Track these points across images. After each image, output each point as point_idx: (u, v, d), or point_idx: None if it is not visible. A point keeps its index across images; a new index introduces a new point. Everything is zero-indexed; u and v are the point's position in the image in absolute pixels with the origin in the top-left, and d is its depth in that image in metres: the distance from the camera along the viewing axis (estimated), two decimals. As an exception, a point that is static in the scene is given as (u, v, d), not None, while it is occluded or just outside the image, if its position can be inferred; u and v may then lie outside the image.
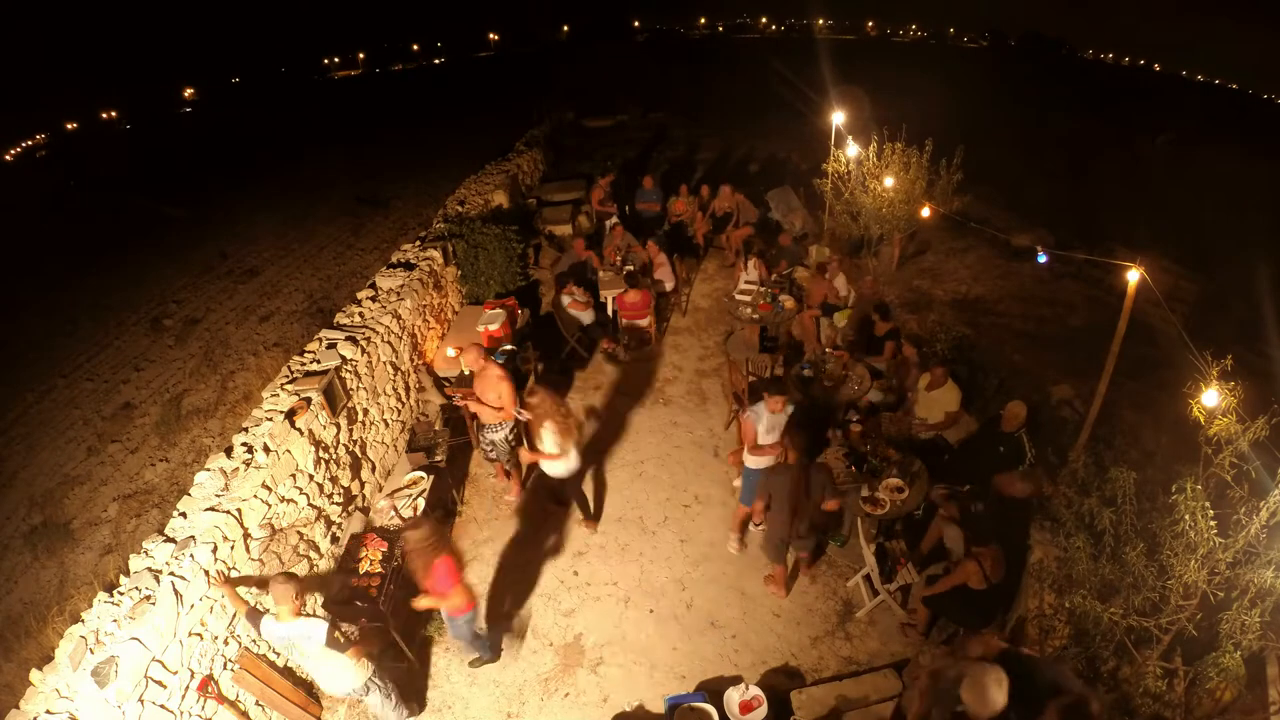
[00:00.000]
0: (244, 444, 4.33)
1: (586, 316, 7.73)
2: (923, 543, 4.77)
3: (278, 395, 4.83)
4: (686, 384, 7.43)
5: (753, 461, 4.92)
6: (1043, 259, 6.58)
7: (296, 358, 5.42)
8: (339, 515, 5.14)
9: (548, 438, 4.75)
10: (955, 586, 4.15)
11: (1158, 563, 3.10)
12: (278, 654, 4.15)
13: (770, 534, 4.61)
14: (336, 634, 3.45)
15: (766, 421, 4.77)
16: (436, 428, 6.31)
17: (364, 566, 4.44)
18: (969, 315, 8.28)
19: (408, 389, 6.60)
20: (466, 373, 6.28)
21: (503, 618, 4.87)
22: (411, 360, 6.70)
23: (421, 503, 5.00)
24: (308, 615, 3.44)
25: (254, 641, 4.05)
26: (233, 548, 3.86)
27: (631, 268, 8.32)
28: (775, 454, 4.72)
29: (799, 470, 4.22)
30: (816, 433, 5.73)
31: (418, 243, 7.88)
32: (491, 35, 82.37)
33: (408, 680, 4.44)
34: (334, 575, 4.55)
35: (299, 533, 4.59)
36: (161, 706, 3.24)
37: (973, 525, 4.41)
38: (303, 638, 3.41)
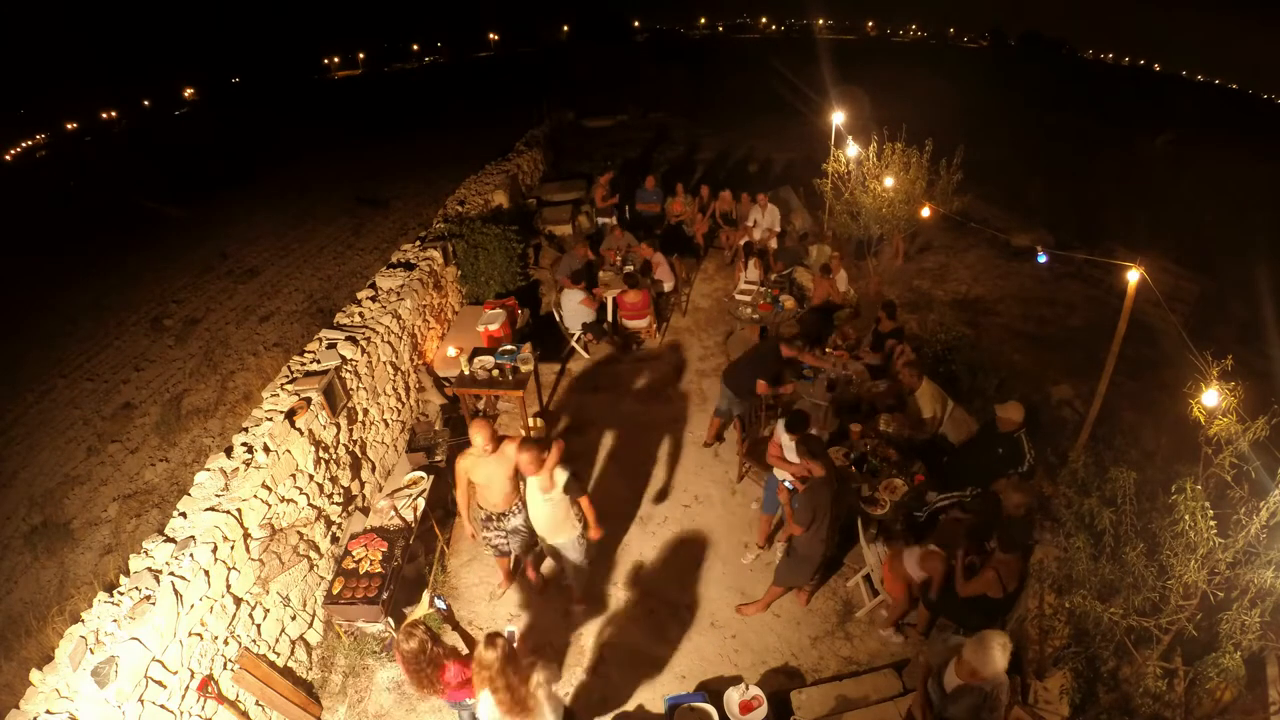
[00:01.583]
0: (244, 444, 4.33)
1: (588, 315, 7.73)
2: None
3: (278, 395, 4.83)
4: (686, 384, 7.43)
5: (777, 471, 4.85)
6: (1043, 259, 6.59)
7: (296, 358, 5.42)
8: (339, 515, 5.14)
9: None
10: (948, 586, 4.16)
11: (1158, 563, 3.09)
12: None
13: (800, 556, 4.33)
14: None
15: (787, 439, 4.69)
16: (436, 428, 6.31)
17: (364, 567, 4.44)
18: (969, 315, 8.28)
19: (408, 389, 6.61)
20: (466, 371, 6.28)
21: (503, 620, 4.87)
22: (411, 360, 6.70)
23: (421, 502, 5.00)
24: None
25: (254, 641, 4.05)
26: (233, 548, 3.86)
27: (631, 268, 8.32)
28: (797, 472, 4.60)
29: (833, 477, 4.04)
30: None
31: (418, 243, 7.88)
32: (491, 35, 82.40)
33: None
34: (336, 574, 4.53)
35: (299, 533, 4.59)
36: (161, 706, 3.24)
37: (997, 532, 4.36)
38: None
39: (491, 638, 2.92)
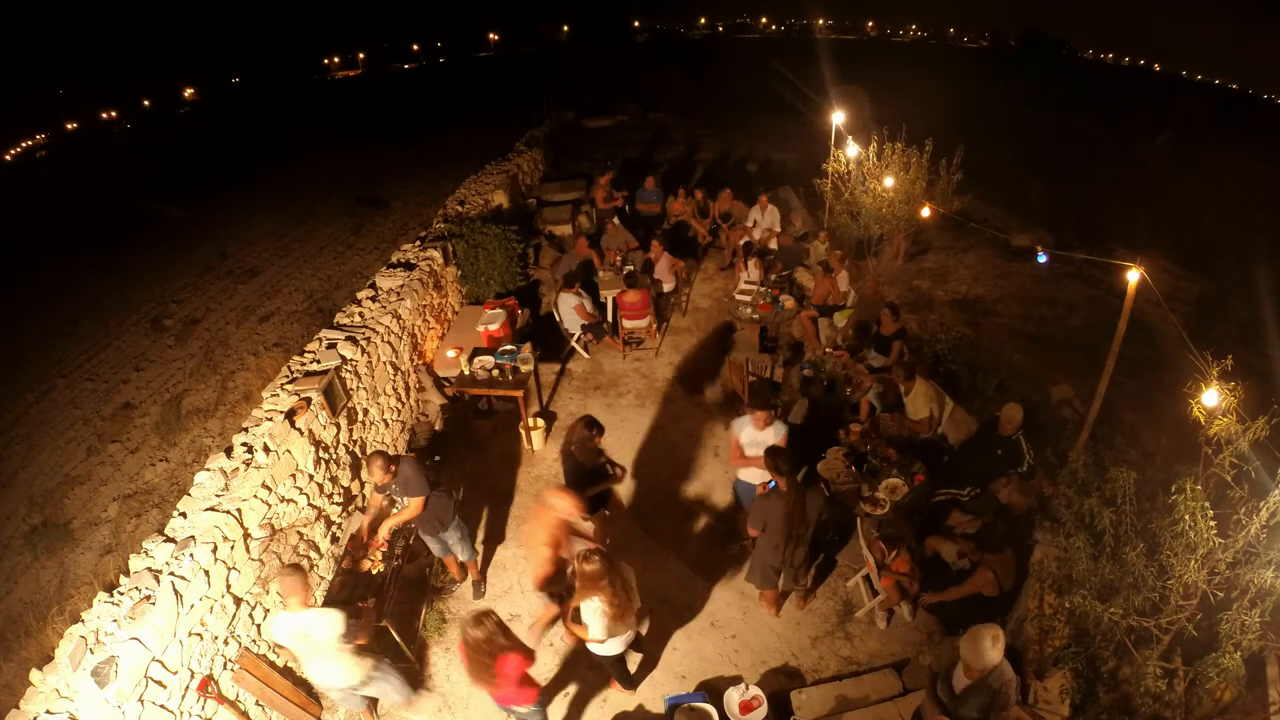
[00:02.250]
0: (244, 444, 4.33)
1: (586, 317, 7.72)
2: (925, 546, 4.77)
3: (278, 395, 4.83)
4: (686, 384, 7.43)
5: (742, 474, 4.81)
6: (1043, 259, 6.59)
7: (296, 358, 5.43)
8: (339, 515, 5.14)
9: (592, 616, 3.53)
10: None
11: (1158, 563, 3.09)
12: (279, 650, 4.14)
13: (759, 560, 4.33)
14: (350, 620, 3.50)
15: (749, 434, 4.59)
16: (436, 428, 6.32)
17: (364, 567, 4.43)
18: (969, 315, 8.29)
19: (408, 389, 6.61)
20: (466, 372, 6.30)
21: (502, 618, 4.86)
22: (411, 360, 6.70)
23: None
24: (319, 607, 3.46)
25: (254, 641, 4.05)
26: (233, 548, 3.86)
27: (632, 268, 8.32)
28: (760, 466, 4.49)
29: (794, 496, 3.99)
30: (820, 435, 5.74)
31: (418, 243, 7.88)
32: (491, 35, 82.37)
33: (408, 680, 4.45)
34: (336, 575, 4.55)
35: (299, 533, 4.59)
36: (161, 706, 3.24)
37: (988, 532, 4.39)
38: (314, 629, 3.41)
39: (588, 554, 3.39)
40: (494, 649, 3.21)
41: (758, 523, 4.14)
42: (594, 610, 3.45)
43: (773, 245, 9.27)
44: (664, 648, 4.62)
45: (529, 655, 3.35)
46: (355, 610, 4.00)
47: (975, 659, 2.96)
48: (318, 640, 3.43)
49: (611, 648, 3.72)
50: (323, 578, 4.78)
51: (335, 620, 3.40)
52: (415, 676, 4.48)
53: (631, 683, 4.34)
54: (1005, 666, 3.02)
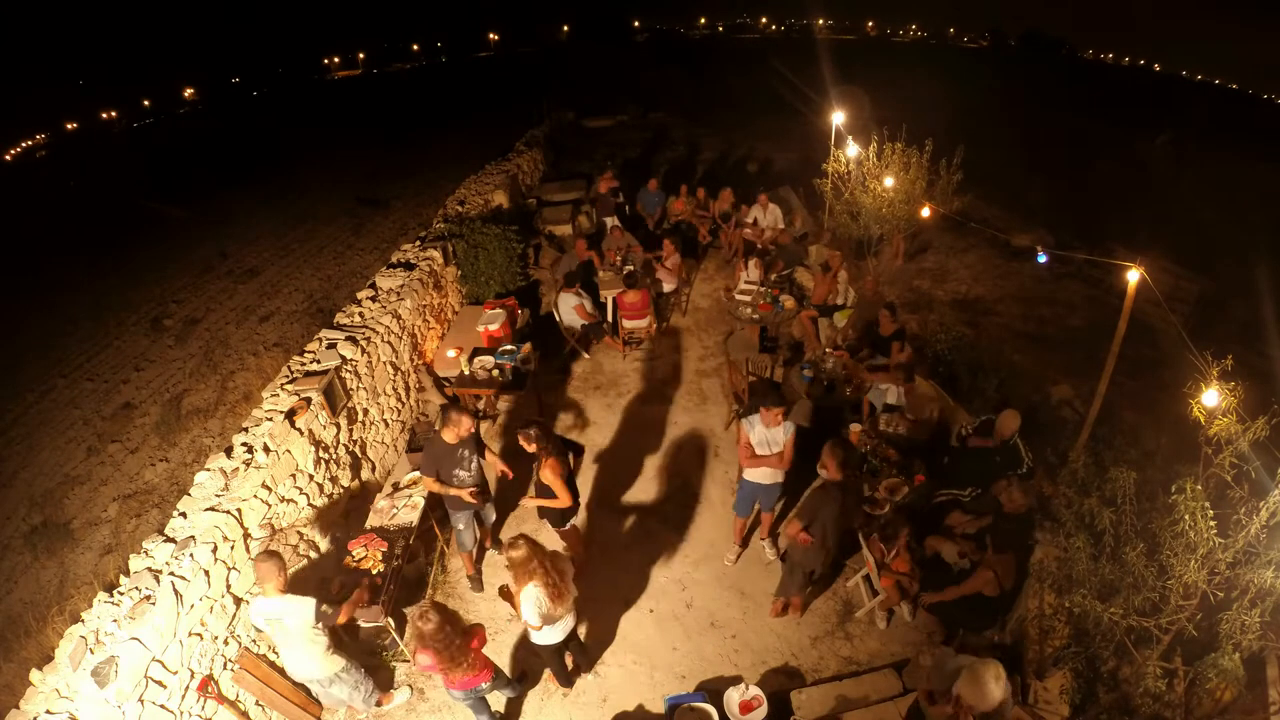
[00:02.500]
0: (244, 444, 4.33)
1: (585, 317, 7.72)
2: (925, 546, 4.77)
3: (278, 395, 4.84)
4: (686, 384, 7.43)
5: (750, 473, 4.72)
6: (1043, 259, 6.60)
7: (296, 358, 5.43)
8: (338, 515, 5.14)
9: (529, 603, 3.50)
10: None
11: (1158, 563, 3.09)
12: (259, 632, 4.12)
13: (803, 562, 4.27)
14: (324, 607, 3.54)
15: (760, 433, 4.49)
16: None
17: (364, 566, 4.43)
18: (969, 315, 8.28)
19: (408, 389, 6.61)
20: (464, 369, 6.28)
21: (503, 619, 4.87)
22: (411, 360, 6.70)
23: (420, 501, 4.99)
24: (293, 594, 3.49)
25: (254, 641, 4.05)
26: (233, 548, 3.86)
27: (632, 268, 8.32)
28: (772, 465, 4.51)
29: (842, 492, 3.88)
30: (820, 435, 5.74)
31: (418, 243, 7.89)
32: (491, 35, 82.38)
33: (406, 680, 4.45)
34: (333, 574, 4.54)
35: (299, 532, 4.59)
36: (161, 706, 3.24)
37: (988, 532, 4.38)
38: (287, 615, 3.45)
39: (513, 540, 3.44)
40: (459, 628, 3.34)
41: (807, 518, 3.98)
42: (531, 596, 3.47)
43: (784, 240, 9.24)
44: (664, 648, 4.62)
45: (483, 629, 3.60)
46: (334, 600, 3.97)
47: (980, 700, 2.71)
48: (289, 627, 3.48)
49: (550, 636, 3.71)
50: (324, 578, 4.78)
51: (308, 608, 3.45)
52: (415, 676, 4.48)
53: (569, 680, 4.30)
54: (1008, 700, 2.83)
